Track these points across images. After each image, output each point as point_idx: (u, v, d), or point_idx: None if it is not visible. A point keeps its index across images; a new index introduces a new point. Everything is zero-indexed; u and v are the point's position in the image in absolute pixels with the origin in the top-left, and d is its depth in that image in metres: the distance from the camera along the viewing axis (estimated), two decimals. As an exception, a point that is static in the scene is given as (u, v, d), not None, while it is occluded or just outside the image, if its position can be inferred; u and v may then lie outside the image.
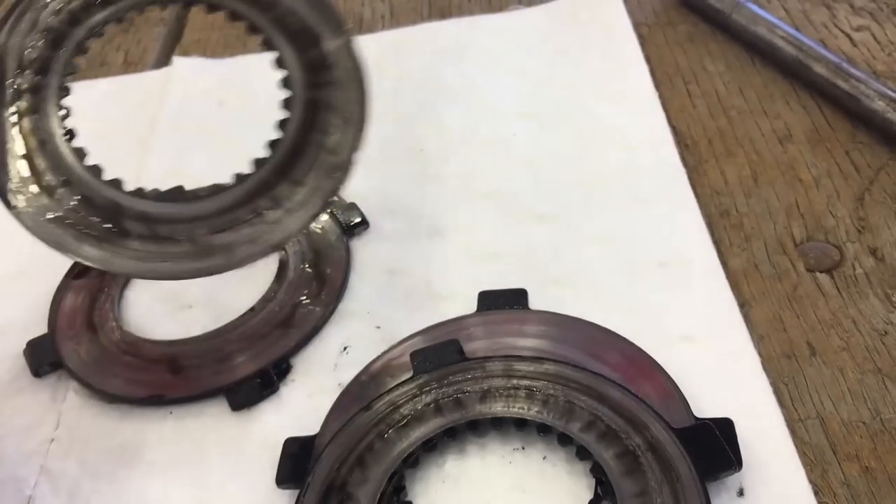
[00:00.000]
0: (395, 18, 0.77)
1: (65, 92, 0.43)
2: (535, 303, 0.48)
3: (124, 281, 0.55)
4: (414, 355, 0.45)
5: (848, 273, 0.49)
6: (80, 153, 0.43)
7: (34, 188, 0.41)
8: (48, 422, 0.48)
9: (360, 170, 0.61)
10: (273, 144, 0.44)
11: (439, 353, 0.44)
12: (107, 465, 0.45)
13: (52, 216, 0.41)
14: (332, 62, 0.43)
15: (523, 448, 0.42)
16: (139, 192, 0.44)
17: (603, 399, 0.41)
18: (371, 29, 0.76)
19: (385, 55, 0.72)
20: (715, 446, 0.38)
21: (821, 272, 0.49)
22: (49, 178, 0.41)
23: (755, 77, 0.64)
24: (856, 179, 0.54)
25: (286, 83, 0.44)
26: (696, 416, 0.41)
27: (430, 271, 0.53)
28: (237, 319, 0.50)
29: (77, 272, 0.55)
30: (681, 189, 0.55)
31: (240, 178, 0.43)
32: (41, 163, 0.41)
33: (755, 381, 0.44)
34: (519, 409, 0.41)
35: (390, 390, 0.43)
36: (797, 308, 0.47)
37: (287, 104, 0.44)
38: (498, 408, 0.42)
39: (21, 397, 0.50)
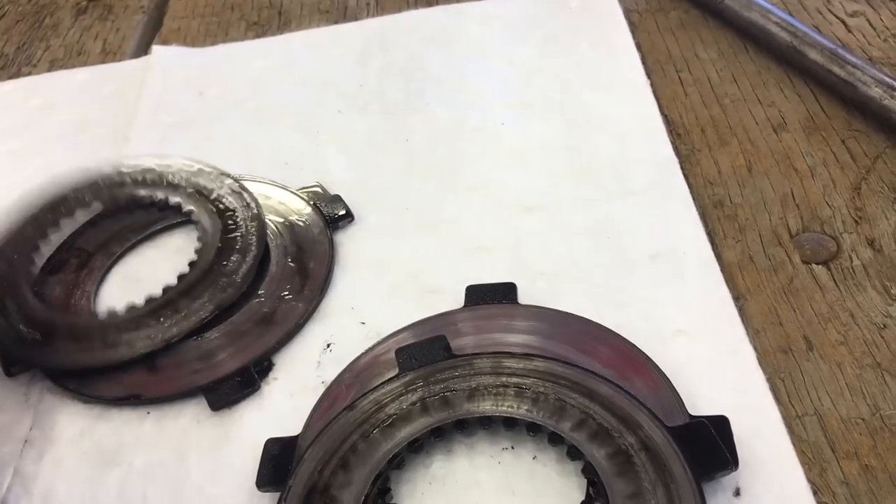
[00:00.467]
0: (381, 6, 0.76)
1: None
2: (524, 297, 0.47)
3: (100, 277, 0.54)
4: (399, 352, 0.43)
5: (845, 265, 0.47)
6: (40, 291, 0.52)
7: None
8: (22, 422, 0.46)
9: (345, 161, 0.60)
10: (180, 278, 0.51)
11: (425, 349, 0.43)
12: (82, 467, 0.44)
13: None
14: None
15: (512, 448, 0.41)
16: (74, 314, 0.51)
17: (594, 397, 0.39)
18: (356, 16, 0.75)
19: (370, 43, 0.70)
20: (710, 445, 0.37)
21: (817, 264, 0.48)
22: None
23: (749, 64, 0.63)
24: (852, 168, 0.53)
25: (201, 239, 0.53)
26: (690, 414, 0.39)
27: (416, 265, 0.51)
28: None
29: (51, 268, 0.53)
30: (673, 179, 0.54)
31: (149, 300, 0.50)
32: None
33: (751, 376, 0.42)
34: (508, 407, 0.40)
35: (375, 389, 0.42)
36: (793, 301, 0.46)
37: (198, 252, 0.52)
38: (486, 406, 0.40)
39: (-7, 398, 0.48)
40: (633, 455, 0.37)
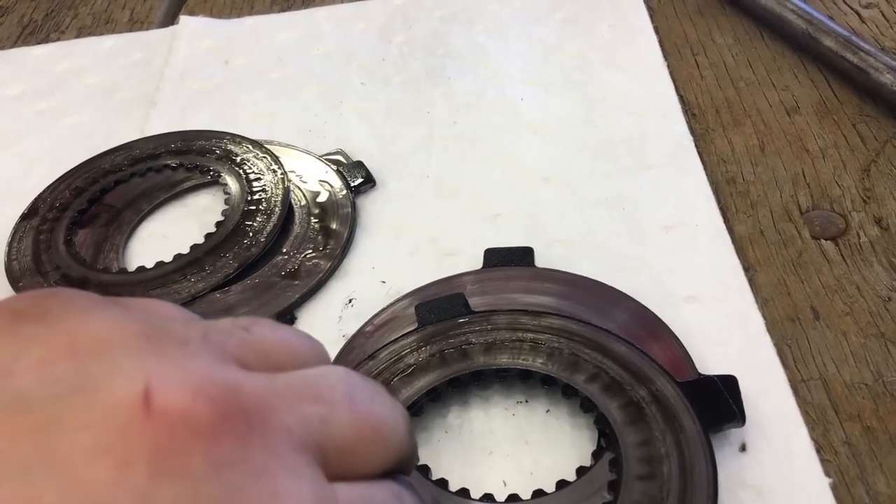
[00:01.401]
0: (404, -16, 0.77)
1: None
2: (540, 261, 0.48)
3: (129, 233, 0.55)
4: (419, 307, 0.45)
5: (853, 241, 0.49)
6: (69, 245, 0.53)
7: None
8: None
9: (367, 130, 0.61)
10: (207, 236, 0.52)
11: (444, 305, 0.45)
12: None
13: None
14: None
15: (527, 401, 0.42)
16: (105, 270, 0.52)
17: (608, 353, 0.41)
18: (379, -6, 0.76)
19: (393, 19, 0.72)
20: (719, 399, 0.39)
21: (826, 240, 0.49)
22: (47, 268, 0.52)
23: (763, 50, 0.64)
24: (862, 151, 0.54)
25: (227, 200, 0.55)
26: (700, 373, 0.41)
27: (436, 229, 0.53)
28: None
29: (82, 222, 0.54)
30: (687, 156, 0.55)
31: (178, 257, 0.51)
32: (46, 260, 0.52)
33: (759, 342, 0.44)
34: (523, 360, 0.41)
35: (395, 341, 0.43)
36: (802, 273, 0.47)
37: (224, 213, 0.54)
38: (503, 359, 0.42)
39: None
40: (644, 406, 0.38)
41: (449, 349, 0.42)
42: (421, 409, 0.41)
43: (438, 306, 0.45)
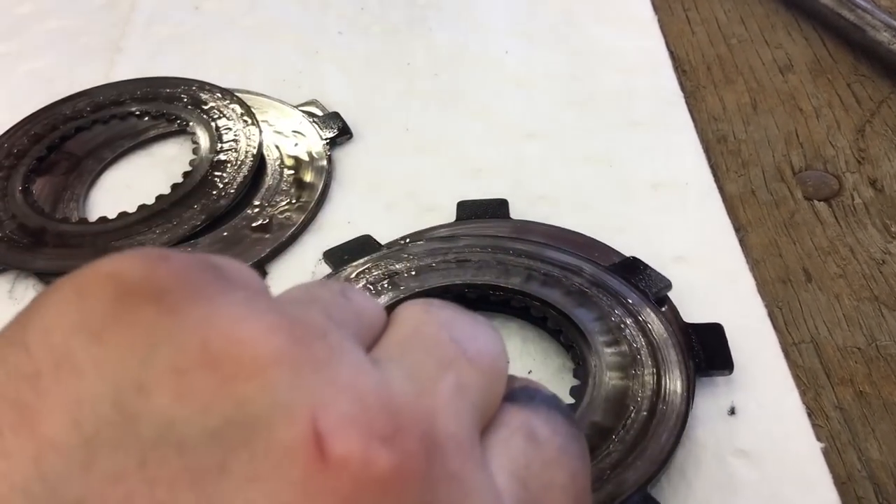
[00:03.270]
0: (385, -68, 0.74)
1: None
2: (522, 217, 0.46)
3: (90, 182, 0.52)
4: (328, 255, 0.44)
5: (846, 202, 0.47)
6: (26, 193, 0.50)
7: None
8: (3, 320, 0.45)
9: (344, 81, 0.59)
10: (174, 187, 0.50)
11: (355, 245, 0.45)
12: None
13: None
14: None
15: (508, 362, 0.40)
16: (64, 220, 0.49)
17: (539, 257, 0.41)
18: (359, -59, 0.73)
19: (373, -32, 0.69)
20: (705, 346, 0.39)
21: (819, 200, 0.48)
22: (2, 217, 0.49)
23: (757, 7, 0.62)
24: (857, 111, 0.53)
25: (195, 150, 0.52)
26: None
27: (414, 184, 0.50)
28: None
29: (40, 169, 0.51)
30: (677, 113, 0.53)
31: (142, 208, 0.49)
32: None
33: (749, 303, 0.42)
34: (455, 277, 0.41)
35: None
36: (794, 234, 0.46)
37: (192, 163, 0.51)
38: (433, 281, 0.41)
39: (-24, 294, 0.47)
40: (586, 289, 0.39)
41: (378, 281, 0.41)
42: None
43: (349, 249, 0.44)
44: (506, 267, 0.41)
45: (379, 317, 0.21)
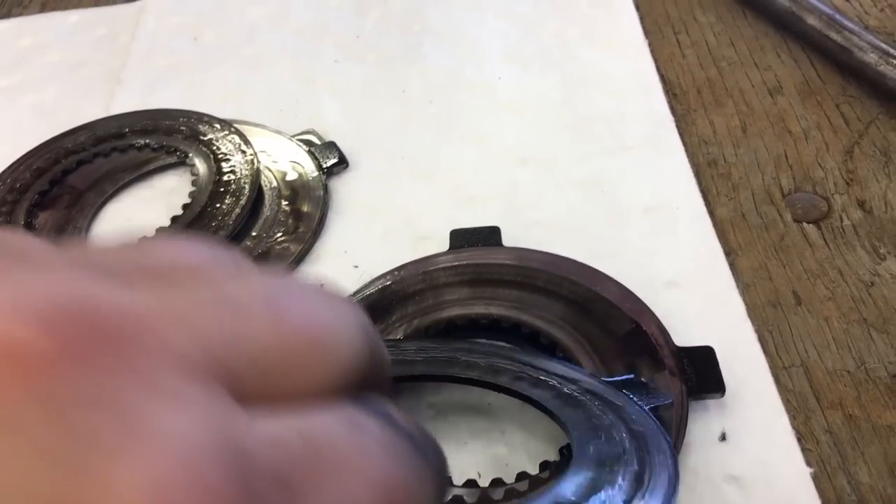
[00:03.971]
0: (379, -41, 0.75)
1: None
2: (517, 245, 0.47)
3: (92, 215, 0.53)
4: None
5: (835, 224, 0.48)
6: (30, 227, 0.51)
7: None
8: None
9: (340, 109, 0.60)
10: (173, 219, 0.51)
11: None
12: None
13: None
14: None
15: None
16: None
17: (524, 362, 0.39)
18: (354, -32, 0.74)
19: (368, -5, 0.70)
20: (697, 369, 0.39)
21: (808, 223, 0.48)
22: None
23: (746, 29, 0.63)
24: (845, 132, 0.53)
25: (194, 182, 0.53)
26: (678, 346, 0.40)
27: (410, 211, 0.51)
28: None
29: (43, 203, 0.52)
30: (668, 137, 0.54)
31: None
32: None
33: (740, 327, 0.43)
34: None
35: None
36: (783, 257, 0.46)
37: (191, 194, 0.52)
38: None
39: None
40: (577, 395, 0.36)
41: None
42: None
43: None
44: (498, 367, 0.39)
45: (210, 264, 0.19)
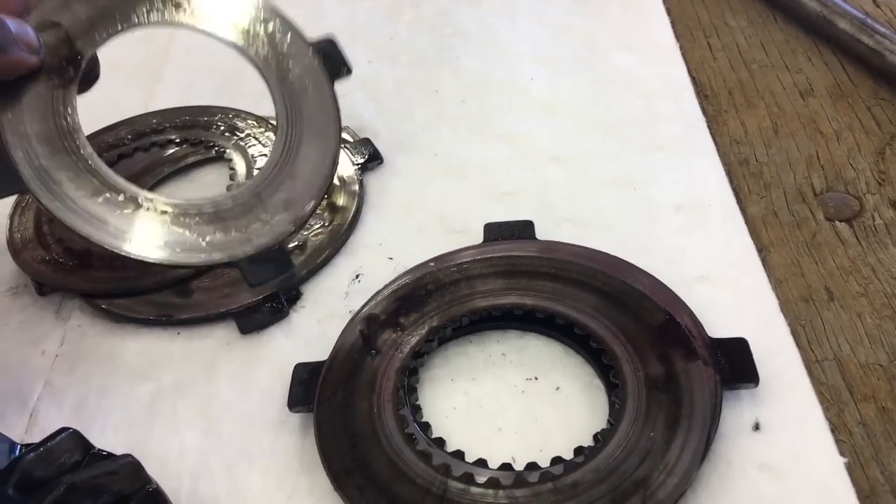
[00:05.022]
0: (412, -36, 0.76)
1: None
2: (547, 237, 0.48)
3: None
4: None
5: (867, 223, 0.48)
6: None
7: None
8: (53, 338, 0.47)
9: (375, 108, 0.61)
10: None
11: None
12: (113, 381, 0.45)
13: None
14: None
15: (536, 378, 0.42)
16: None
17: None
18: (387, -27, 0.75)
19: (401, -1, 0.71)
20: (732, 360, 0.40)
21: (840, 221, 0.49)
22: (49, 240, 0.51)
23: (777, 33, 0.63)
24: (877, 134, 0.54)
25: (232, 176, 0.53)
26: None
27: (443, 206, 0.52)
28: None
29: (84, 194, 0.54)
30: (700, 137, 0.54)
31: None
32: None
33: (773, 322, 0.43)
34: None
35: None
36: (816, 255, 0.47)
37: (229, 188, 0.51)
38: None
39: (25, 313, 0.49)
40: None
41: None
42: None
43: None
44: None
45: None
